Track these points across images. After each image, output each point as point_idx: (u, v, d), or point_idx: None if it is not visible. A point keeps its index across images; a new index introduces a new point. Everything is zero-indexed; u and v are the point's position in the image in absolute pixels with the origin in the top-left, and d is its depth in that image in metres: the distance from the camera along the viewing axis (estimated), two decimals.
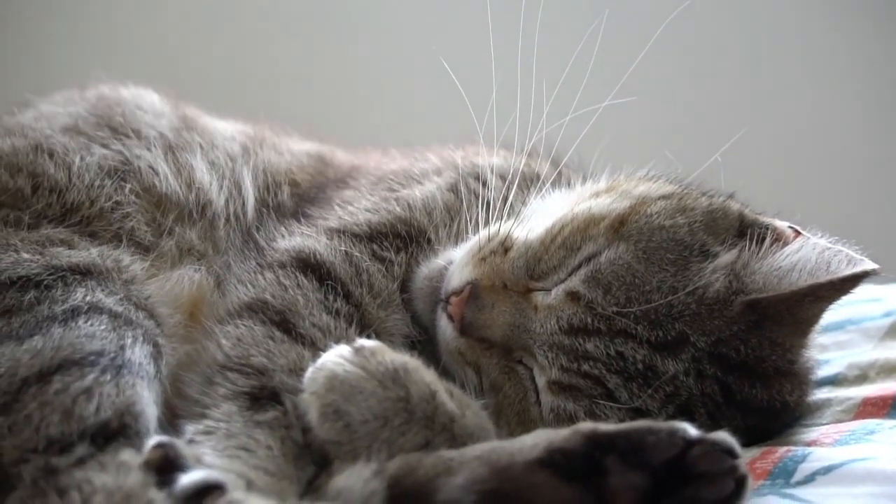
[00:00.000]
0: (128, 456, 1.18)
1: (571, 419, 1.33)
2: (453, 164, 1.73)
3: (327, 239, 1.55)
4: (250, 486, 1.17)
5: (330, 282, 1.48)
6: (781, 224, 1.47)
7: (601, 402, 1.34)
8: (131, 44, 3.65)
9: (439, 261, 1.54)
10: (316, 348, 1.35)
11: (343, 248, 1.53)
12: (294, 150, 1.85)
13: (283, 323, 1.41)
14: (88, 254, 1.45)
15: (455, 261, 1.52)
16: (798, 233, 1.44)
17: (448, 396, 1.27)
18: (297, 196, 1.73)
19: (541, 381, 1.39)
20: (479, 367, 1.43)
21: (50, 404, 1.20)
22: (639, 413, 1.32)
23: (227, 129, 1.82)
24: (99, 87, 1.84)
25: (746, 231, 1.46)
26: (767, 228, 1.46)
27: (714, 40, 3.55)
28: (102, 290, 1.39)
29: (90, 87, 1.84)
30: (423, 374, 1.28)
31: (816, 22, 3.56)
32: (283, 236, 1.59)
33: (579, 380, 1.36)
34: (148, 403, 1.27)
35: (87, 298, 1.35)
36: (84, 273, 1.41)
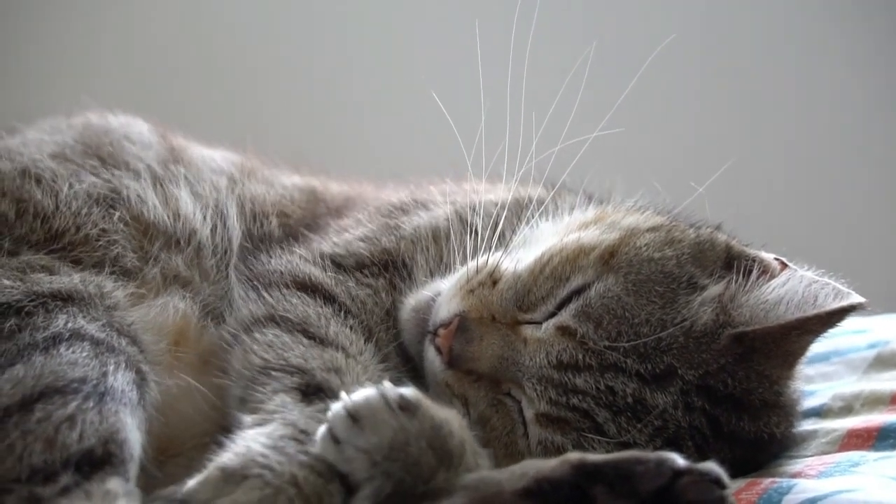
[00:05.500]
0: (114, 485, 1.18)
1: (559, 452, 1.32)
2: (448, 197, 1.73)
3: (321, 262, 1.57)
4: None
5: (335, 303, 1.50)
6: (768, 256, 1.48)
7: (589, 435, 1.34)
8: (118, 64, 3.66)
9: (427, 292, 1.53)
10: (347, 353, 1.38)
11: (337, 275, 1.54)
12: (286, 183, 1.84)
13: (306, 332, 1.42)
14: (70, 279, 1.44)
15: (443, 292, 1.51)
16: (784, 265, 1.44)
17: (473, 455, 1.23)
18: (287, 226, 1.73)
19: (529, 413, 1.38)
20: (467, 399, 1.42)
21: (32, 433, 1.20)
22: (627, 446, 1.31)
23: (214, 160, 1.81)
24: (86, 115, 1.82)
25: (733, 263, 1.46)
26: (754, 261, 1.46)
27: (701, 72, 3.58)
28: (84, 317, 1.37)
29: (77, 114, 1.82)
30: (464, 434, 1.23)
31: (803, 53, 3.59)
32: (276, 258, 1.60)
33: (568, 413, 1.35)
34: (132, 430, 1.27)
35: (69, 325, 1.34)
36: (66, 299, 1.39)
